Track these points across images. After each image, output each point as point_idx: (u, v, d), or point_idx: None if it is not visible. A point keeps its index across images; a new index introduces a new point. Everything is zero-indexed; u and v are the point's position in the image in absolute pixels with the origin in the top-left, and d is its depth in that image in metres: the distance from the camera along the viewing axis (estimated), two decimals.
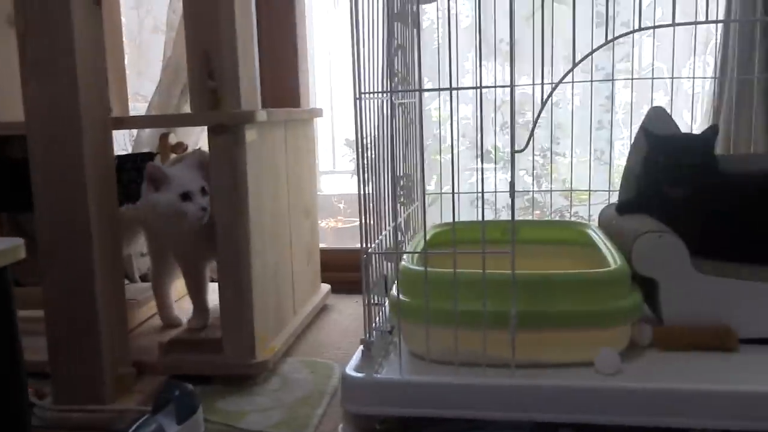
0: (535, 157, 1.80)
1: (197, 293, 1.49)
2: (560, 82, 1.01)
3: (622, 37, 1.04)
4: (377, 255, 1.20)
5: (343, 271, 1.94)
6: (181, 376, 1.18)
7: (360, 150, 1.10)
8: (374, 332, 1.19)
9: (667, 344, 1.17)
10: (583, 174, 1.67)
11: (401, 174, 1.47)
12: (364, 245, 1.11)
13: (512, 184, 1.01)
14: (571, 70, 1.01)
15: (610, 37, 1.06)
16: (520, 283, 1.06)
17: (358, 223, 1.12)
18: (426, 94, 1.77)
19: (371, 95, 1.11)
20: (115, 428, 1.16)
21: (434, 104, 1.84)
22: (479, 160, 1.74)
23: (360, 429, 1.12)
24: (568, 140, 1.71)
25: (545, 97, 1.02)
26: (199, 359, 1.35)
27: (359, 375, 1.10)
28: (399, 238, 1.32)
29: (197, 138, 1.89)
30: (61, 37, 1.15)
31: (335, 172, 3.05)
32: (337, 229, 2.92)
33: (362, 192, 1.11)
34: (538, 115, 1.01)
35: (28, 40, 1.17)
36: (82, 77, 1.17)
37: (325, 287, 1.85)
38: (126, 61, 1.89)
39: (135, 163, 1.61)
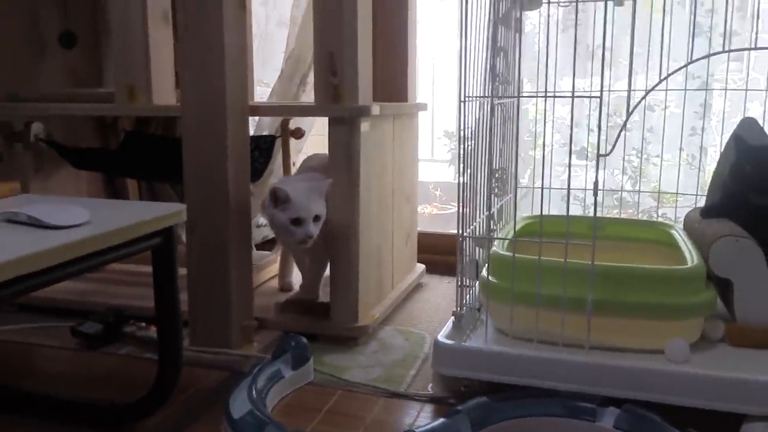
0: (627, 158, 1.88)
1: (308, 276, 1.68)
2: (649, 92, 1.12)
3: (706, 57, 1.13)
4: (470, 239, 1.35)
5: (438, 254, 2.10)
6: (293, 333, 1.37)
7: (461, 146, 1.25)
8: (464, 308, 1.34)
9: (737, 341, 1.26)
10: (674, 178, 1.75)
11: (497, 167, 1.61)
12: (460, 230, 1.27)
13: (596, 184, 1.13)
14: (660, 82, 1.12)
15: (705, 50, 1.16)
16: (599, 272, 1.19)
17: (456, 210, 1.27)
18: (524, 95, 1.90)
19: (474, 99, 1.25)
20: (241, 369, 1.37)
21: (532, 101, 1.96)
22: (570, 158, 1.84)
23: (447, 389, 1.28)
24: (660, 144, 1.79)
25: (633, 105, 1.13)
26: (309, 320, 1.55)
27: (449, 342, 1.26)
28: (492, 227, 1.47)
29: (311, 125, 2.09)
30: (214, 34, 1.35)
31: (433, 160, 3.19)
32: (433, 215, 3.07)
33: (461, 183, 1.26)
34: (625, 122, 1.12)
35: (186, 36, 1.37)
36: (230, 69, 1.37)
37: (420, 267, 2.01)
38: (254, 50, 2.11)
39: (257, 144, 1.82)
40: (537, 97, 1.16)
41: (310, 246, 1.47)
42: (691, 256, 1.31)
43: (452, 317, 1.32)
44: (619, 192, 1.85)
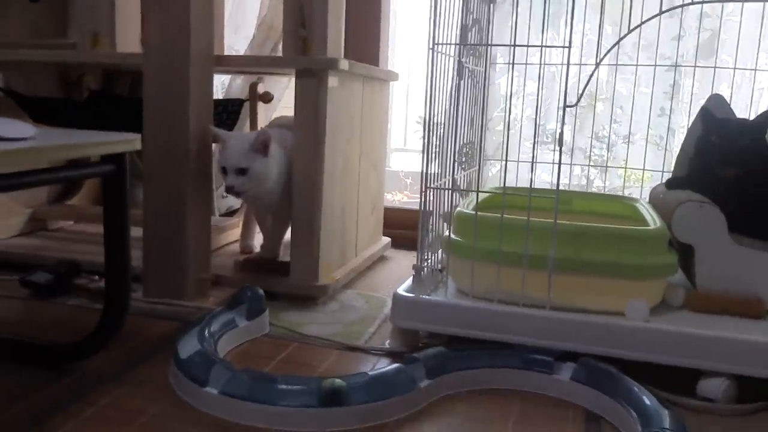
0: (594, 141, 1.89)
1: (269, 235, 1.65)
2: (616, 43, 1.11)
3: (671, 10, 1.13)
4: (435, 215, 1.33)
5: (404, 229, 2.08)
6: None
7: (430, 99, 1.23)
8: (425, 263, 1.32)
9: (697, 307, 1.25)
10: (641, 158, 1.76)
11: (465, 142, 1.59)
12: (424, 181, 1.25)
13: (560, 134, 1.12)
14: (628, 34, 1.11)
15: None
16: (562, 231, 1.18)
17: (422, 160, 1.25)
18: (497, 69, 1.90)
19: (444, 46, 1.23)
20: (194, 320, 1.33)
21: (503, 79, 1.95)
22: (537, 129, 1.84)
23: (405, 344, 1.25)
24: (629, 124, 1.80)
25: (597, 73, 1.13)
26: (268, 278, 1.51)
27: (409, 295, 1.24)
28: (456, 196, 1.45)
29: (282, 92, 2.06)
30: None
31: (406, 150, 3.20)
32: (403, 203, 3.06)
33: (427, 136, 1.24)
34: (594, 70, 1.11)
35: None
36: (195, 15, 1.33)
37: (386, 239, 1.99)
38: (225, 17, 2.07)
39: (225, 107, 1.78)
40: (508, 46, 1.15)
41: (247, 196, 1.44)
42: (654, 221, 1.31)
43: (412, 271, 1.29)
44: (587, 167, 1.85)
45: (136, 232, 1.40)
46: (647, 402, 0.97)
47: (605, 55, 1.15)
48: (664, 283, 1.25)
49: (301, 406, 0.96)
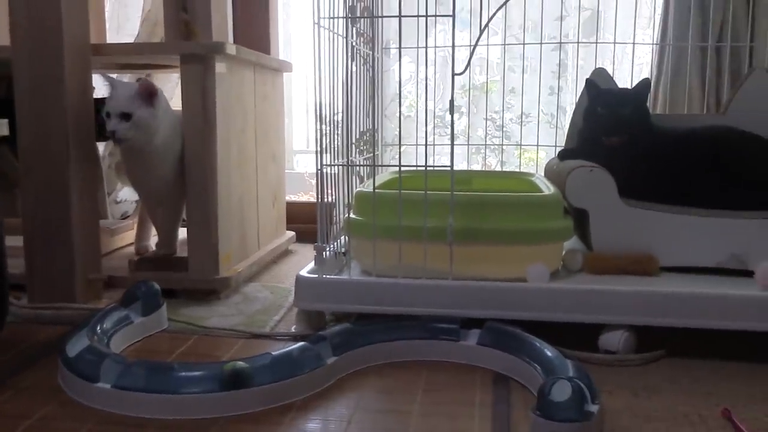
0: (489, 123, 1.92)
1: (162, 228, 1.58)
2: (492, 17, 1.12)
3: None
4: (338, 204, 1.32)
5: (308, 223, 2.04)
6: None
7: (319, 76, 1.21)
8: (327, 250, 1.29)
9: (595, 268, 1.28)
10: (535, 136, 1.81)
11: (365, 129, 1.58)
12: (320, 160, 1.22)
13: (451, 101, 1.12)
14: (502, 5, 1.13)
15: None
16: (459, 202, 1.18)
17: (316, 139, 1.22)
18: (391, 55, 1.90)
19: (331, 24, 1.22)
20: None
21: (398, 64, 1.96)
22: (427, 115, 1.86)
23: (311, 327, 1.22)
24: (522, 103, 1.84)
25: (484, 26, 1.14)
26: (166, 275, 1.44)
27: (311, 276, 1.21)
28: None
29: (172, 92, 1.99)
30: None
31: (309, 151, 3.19)
32: (309, 202, 3.03)
33: (319, 103, 1.21)
34: (479, 38, 1.12)
35: None
36: (65, 3, 1.26)
37: (290, 233, 1.95)
38: (106, 16, 1.98)
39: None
40: (396, 17, 1.14)
41: (125, 142, 1.36)
42: (548, 189, 1.34)
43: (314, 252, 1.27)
44: (483, 146, 1.88)
45: (17, 241, 1.31)
46: (549, 354, 0.98)
47: (492, 17, 1.16)
48: (562, 247, 1.28)
49: (203, 392, 0.91)
